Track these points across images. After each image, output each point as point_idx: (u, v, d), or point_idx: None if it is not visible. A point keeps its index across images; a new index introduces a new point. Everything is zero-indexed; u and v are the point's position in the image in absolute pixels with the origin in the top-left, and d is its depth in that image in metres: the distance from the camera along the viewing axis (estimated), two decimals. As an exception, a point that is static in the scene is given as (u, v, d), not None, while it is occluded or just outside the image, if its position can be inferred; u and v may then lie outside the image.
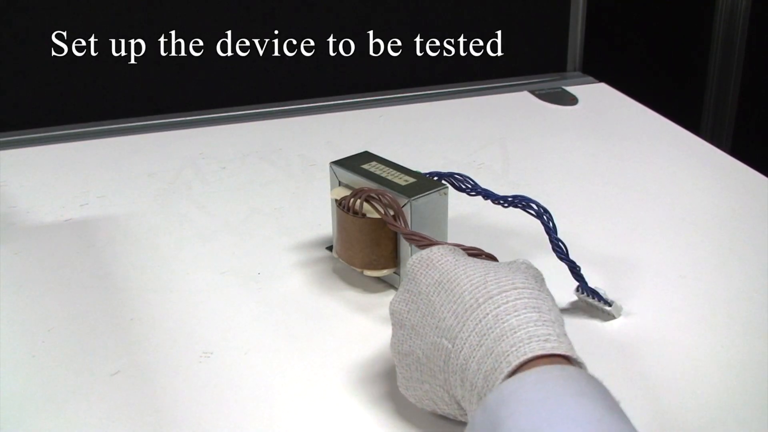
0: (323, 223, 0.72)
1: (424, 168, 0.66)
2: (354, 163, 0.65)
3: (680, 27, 1.31)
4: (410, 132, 0.95)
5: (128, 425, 0.51)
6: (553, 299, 0.47)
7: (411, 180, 0.62)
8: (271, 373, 0.56)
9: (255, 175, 0.84)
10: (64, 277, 0.67)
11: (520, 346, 0.43)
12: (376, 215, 0.60)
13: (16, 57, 0.95)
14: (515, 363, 0.42)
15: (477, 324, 0.45)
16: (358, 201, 0.61)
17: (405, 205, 0.60)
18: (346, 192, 0.63)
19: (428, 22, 1.08)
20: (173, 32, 0.99)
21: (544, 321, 0.44)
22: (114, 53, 0.98)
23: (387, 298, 0.63)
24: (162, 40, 0.99)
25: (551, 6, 1.13)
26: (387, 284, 0.64)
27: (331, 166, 0.65)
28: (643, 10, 1.29)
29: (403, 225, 0.59)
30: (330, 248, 0.68)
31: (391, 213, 0.59)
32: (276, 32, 1.03)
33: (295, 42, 1.04)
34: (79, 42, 0.96)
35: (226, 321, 0.61)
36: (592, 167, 0.86)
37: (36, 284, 0.66)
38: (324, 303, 0.63)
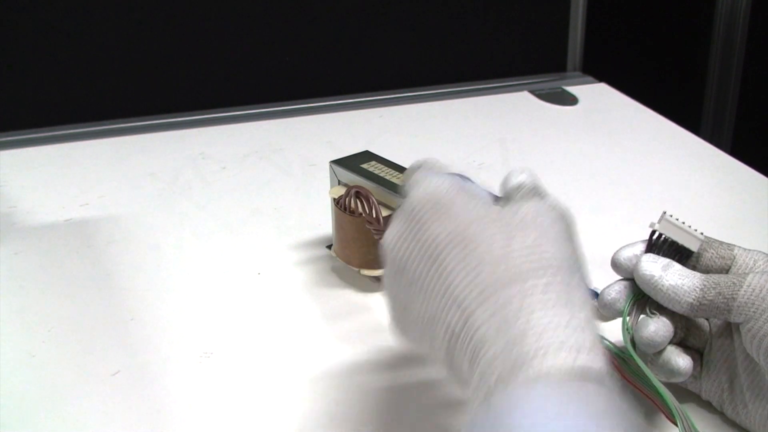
0: (323, 222, 0.72)
1: (423, 168, 0.66)
2: (353, 162, 0.65)
3: (680, 27, 1.30)
4: (410, 132, 0.95)
5: (128, 425, 0.51)
6: (583, 273, 0.41)
7: (411, 180, 0.62)
8: (271, 373, 0.56)
9: (255, 175, 0.84)
10: (64, 277, 0.67)
11: (547, 353, 0.36)
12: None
13: (16, 57, 0.95)
14: (538, 370, 0.35)
15: (499, 309, 0.38)
16: (351, 198, 0.61)
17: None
18: (344, 191, 0.63)
19: (428, 22, 1.08)
20: (173, 32, 0.99)
21: (579, 322, 0.37)
22: (114, 53, 0.98)
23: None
24: (162, 40, 0.99)
25: (551, 6, 1.13)
26: (387, 284, 0.64)
27: (330, 166, 0.65)
28: (643, 11, 1.29)
29: (381, 227, 0.59)
30: (330, 247, 0.68)
31: (374, 214, 0.60)
32: (276, 32, 1.03)
33: (295, 42, 1.04)
34: (80, 42, 0.96)
35: (226, 321, 0.61)
36: (592, 167, 0.86)
37: (36, 284, 0.66)
38: (324, 303, 0.63)
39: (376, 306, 0.62)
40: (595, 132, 0.95)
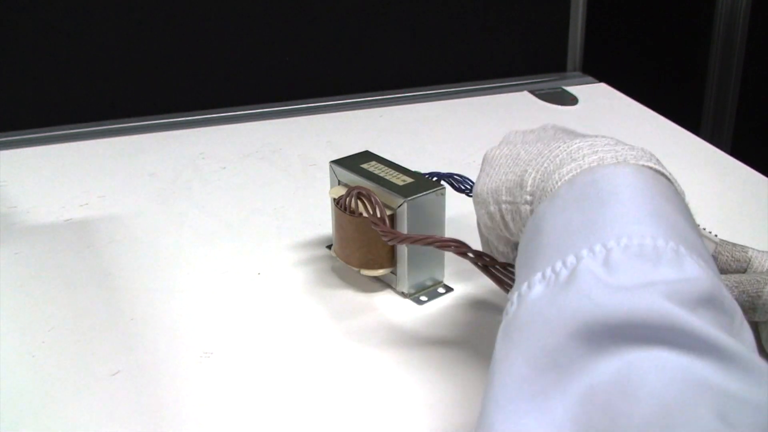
0: (323, 222, 0.72)
1: (424, 168, 0.66)
2: (353, 162, 0.65)
3: (680, 27, 1.30)
4: (410, 132, 0.95)
5: (128, 425, 0.51)
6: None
7: (409, 180, 0.62)
8: (271, 373, 0.56)
9: (255, 175, 0.84)
10: (64, 277, 0.67)
11: (610, 154, 0.43)
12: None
13: (16, 57, 0.95)
14: (588, 166, 0.43)
15: (568, 146, 0.46)
16: (352, 199, 0.61)
17: (401, 205, 0.60)
18: (344, 191, 0.63)
19: (428, 22, 1.08)
20: (173, 32, 0.99)
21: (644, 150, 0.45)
22: (114, 53, 0.98)
23: (385, 297, 0.63)
24: (162, 40, 0.99)
25: (551, 6, 1.13)
26: (385, 284, 0.64)
27: (330, 166, 0.65)
28: (643, 11, 1.29)
29: (387, 228, 0.59)
30: (330, 247, 0.68)
31: (378, 214, 0.60)
32: (276, 32, 1.03)
33: (295, 42, 1.04)
34: (80, 42, 0.96)
35: (226, 321, 0.61)
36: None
37: (36, 284, 0.66)
38: (324, 303, 0.63)
39: (376, 306, 0.62)
40: (595, 132, 0.94)
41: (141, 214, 0.77)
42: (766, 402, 0.30)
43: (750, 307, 0.47)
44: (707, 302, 0.34)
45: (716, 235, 0.51)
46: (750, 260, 0.50)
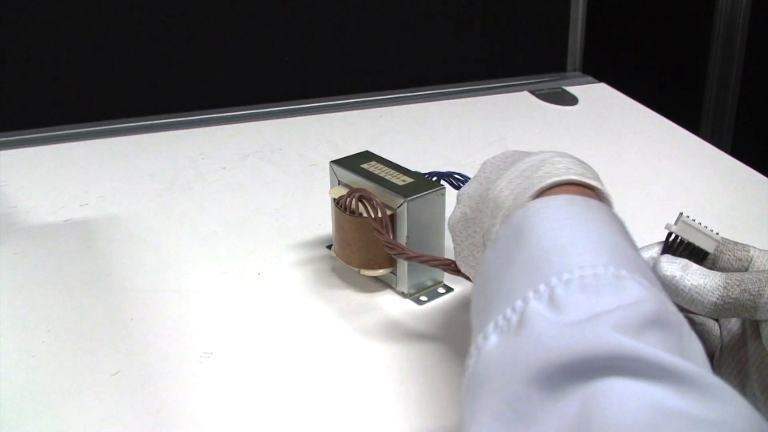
0: (323, 223, 0.72)
1: (424, 168, 0.66)
2: (354, 162, 0.65)
3: (680, 27, 1.30)
4: (410, 132, 0.95)
5: (128, 425, 0.51)
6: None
7: (409, 180, 0.62)
8: (271, 373, 0.56)
9: (255, 175, 0.84)
10: (64, 277, 0.67)
11: (555, 174, 0.45)
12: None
13: (16, 57, 0.95)
14: (548, 182, 0.44)
15: (521, 165, 0.48)
16: (354, 200, 0.61)
17: (401, 205, 0.60)
18: (345, 191, 0.63)
19: (428, 22, 1.08)
20: (173, 32, 0.99)
21: (585, 168, 0.47)
22: (114, 53, 0.98)
23: (385, 297, 0.63)
24: (162, 40, 0.99)
25: (551, 6, 1.13)
26: (385, 284, 0.64)
27: (330, 166, 0.65)
28: (643, 11, 1.29)
29: (385, 232, 0.59)
30: (330, 247, 0.68)
31: (379, 217, 0.60)
32: (276, 32, 1.03)
33: (295, 42, 1.04)
34: (80, 42, 0.96)
35: (226, 321, 0.61)
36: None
37: (36, 284, 0.66)
38: (324, 303, 0.63)
39: (376, 306, 0.62)
40: (595, 132, 0.95)
41: (141, 214, 0.77)
42: (720, 418, 0.31)
43: (752, 306, 0.46)
44: (653, 323, 0.35)
45: (717, 233, 0.51)
46: (752, 259, 0.50)
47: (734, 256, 0.50)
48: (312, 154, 0.88)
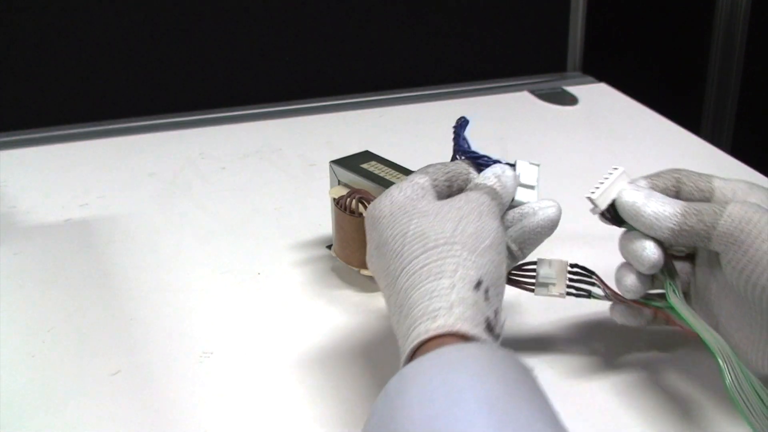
0: (323, 222, 0.72)
1: (423, 168, 0.66)
2: (353, 162, 0.65)
3: (680, 27, 1.30)
4: (410, 132, 0.95)
5: (128, 425, 0.51)
6: (481, 239, 0.46)
7: (410, 180, 0.62)
8: (271, 373, 0.56)
9: (255, 175, 0.84)
10: (64, 277, 0.67)
11: (414, 327, 0.42)
12: None
13: (16, 57, 0.95)
14: (411, 347, 0.41)
15: (398, 294, 0.45)
16: (354, 200, 0.61)
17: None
18: (344, 191, 0.63)
19: (428, 22, 1.08)
20: (173, 32, 0.99)
21: (441, 290, 0.43)
22: (114, 53, 0.98)
23: (387, 298, 0.63)
24: (162, 40, 0.99)
25: (551, 6, 1.13)
26: (387, 284, 0.64)
27: (330, 165, 0.65)
28: (643, 10, 1.29)
29: None
30: (330, 247, 0.68)
31: None
32: (276, 32, 1.03)
33: (295, 42, 1.04)
34: (80, 42, 0.96)
35: (226, 321, 0.61)
36: (592, 167, 0.86)
37: (36, 284, 0.66)
38: (324, 303, 0.63)
39: (376, 306, 0.62)
40: (595, 132, 0.95)
41: (141, 214, 0.77)
42: None
43: (706, 236, 0.48)
44: None
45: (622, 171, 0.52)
46: (713, 190, 0.51)
47: (696, 186, 0.52)
48: (312, 154, 0.88)
